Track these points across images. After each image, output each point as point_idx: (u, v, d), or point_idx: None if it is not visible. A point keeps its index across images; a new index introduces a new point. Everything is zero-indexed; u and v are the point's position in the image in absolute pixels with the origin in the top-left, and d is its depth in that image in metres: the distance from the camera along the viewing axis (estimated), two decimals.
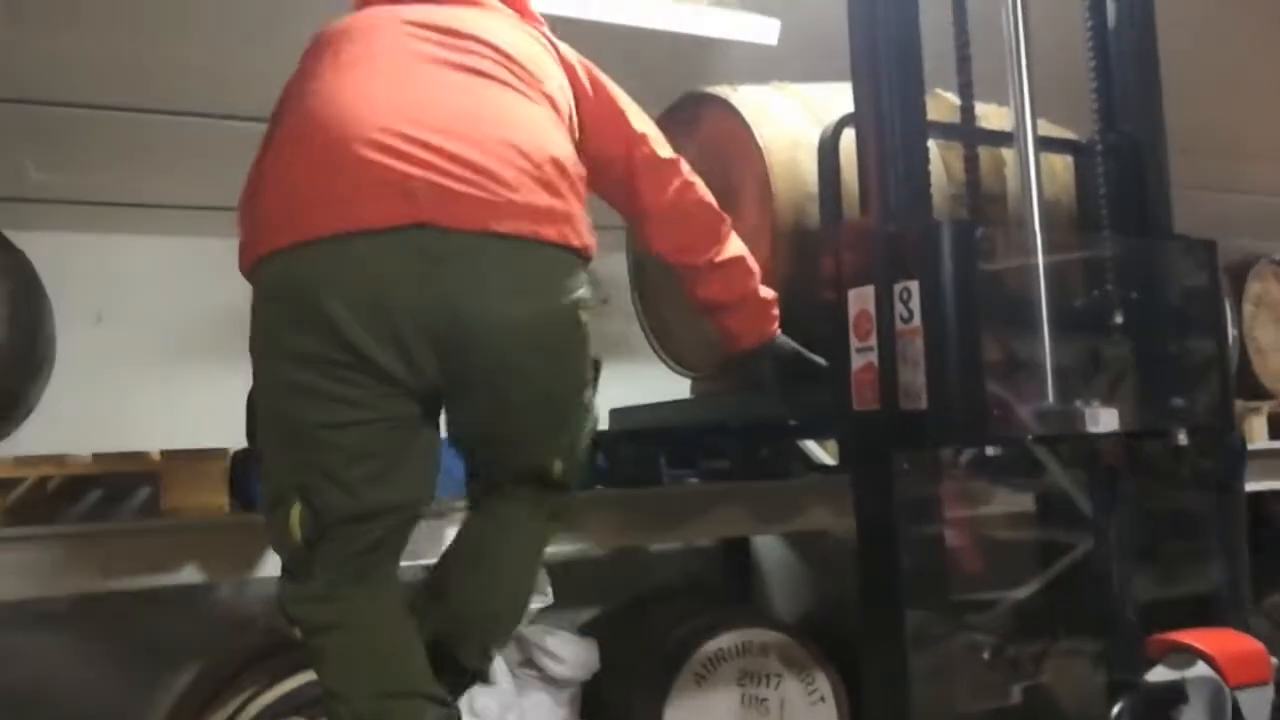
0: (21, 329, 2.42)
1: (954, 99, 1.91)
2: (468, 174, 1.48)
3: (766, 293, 1.98)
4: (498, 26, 1.72)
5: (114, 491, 2.57)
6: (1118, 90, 2.05)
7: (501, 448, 1.68)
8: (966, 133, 1.88)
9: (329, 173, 1.48)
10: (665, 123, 2.45)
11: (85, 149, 2.87)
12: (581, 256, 1.62)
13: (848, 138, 1.94)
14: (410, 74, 1.59)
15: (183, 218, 3.03)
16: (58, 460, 2.19)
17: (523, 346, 1.53)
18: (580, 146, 1.75)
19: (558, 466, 1.68)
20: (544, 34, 1.83)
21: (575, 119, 1.77)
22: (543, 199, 1.53)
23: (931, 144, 1.87)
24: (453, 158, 1.48)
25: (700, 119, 2.37)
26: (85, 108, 2.75)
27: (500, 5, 1.80)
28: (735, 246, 1.93)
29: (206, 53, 2.68)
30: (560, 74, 1.76)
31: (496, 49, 1.64)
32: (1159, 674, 1.61)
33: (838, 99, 2.23)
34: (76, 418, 2.85)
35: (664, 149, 1.86)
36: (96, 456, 2.22)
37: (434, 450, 1.64)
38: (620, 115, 1.82)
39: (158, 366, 3.04)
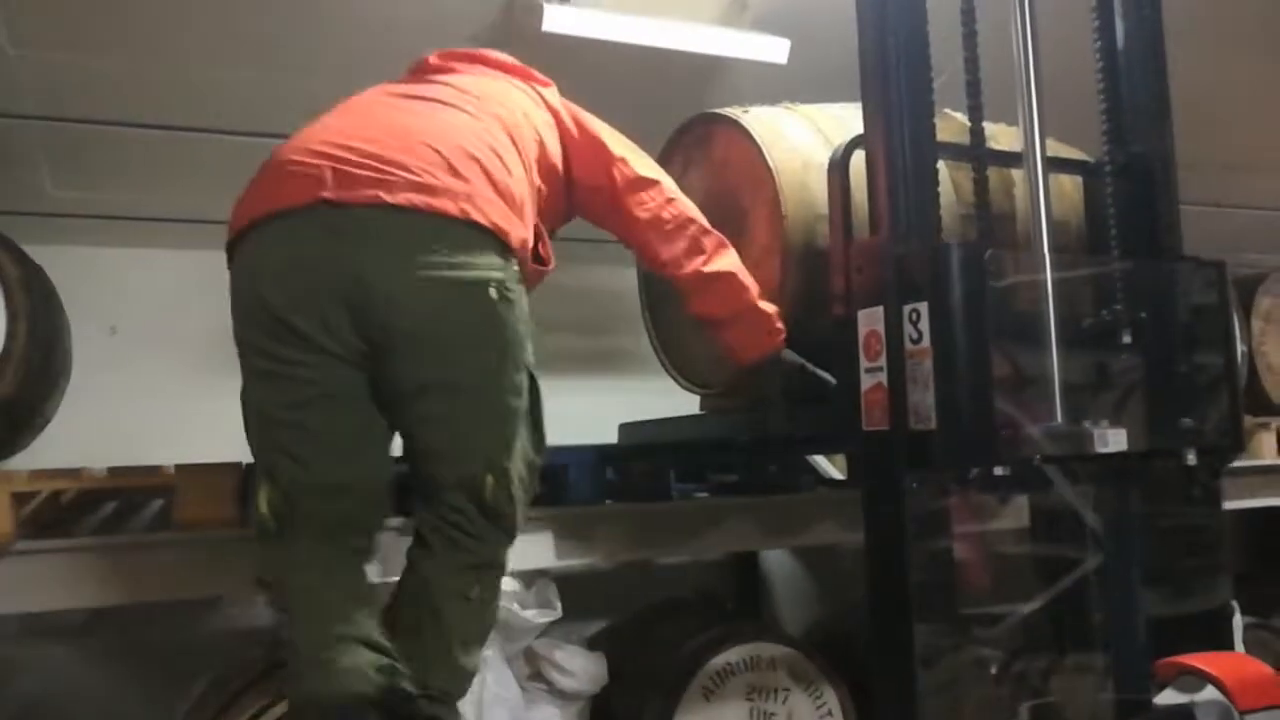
0: (38, 342, 2.44)
1: (963, 119, 1.92)
2: (370, 161, 1.63)
3: (766, 307, 2.03)
4: (476, 77, 1.93)
5: (128, 504, 2.58)
6: (1127, 110, 2.06)
7: (427, 446, 1.70)
8: (976, 153, 1.88)
9: (264, 177, 1.72)
10: (677, 143, 2.48)
11: (102, 164, 2.90)
12: (492, 236, 1.66)
13: (858, 159, 1.95)
14: (364, 108, 1.81)
15: (197, 232, 3.04)
16: (73, 474, 2.21)
17: (421, 311, 1.61)
18: (571, 180, 1.96)
19: (489, 484, 1.67)
20: (536, 89, 1.98)
21: (558, 152, 1.93)
22: (442, 179, 1.63)
23: (941, 164, 1.88)
24: (361, 152, 1.65)
25: (712, 140, 2.38)
26: (102, 124, 2.78)
27: (498, 74, 1.99)
28: (726, 261, 2.00)
29: (223, 70, 2.71)
30: (538, 112, 1.93)
31: (454, 86, 1.84)
32: (1168, 697, 1.61)
33: (848, 119, 2.25)
34: (91, 430, 2.88)
35: (644, 169, 1.97)
36: (111, 470, 2.24)
37: (389, 431, 1.74)
38: (600, 144, 1.96)
39: (172, 380, 3.06)
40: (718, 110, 2.35)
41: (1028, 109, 1.89)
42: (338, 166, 1.62)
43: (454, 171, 1.64)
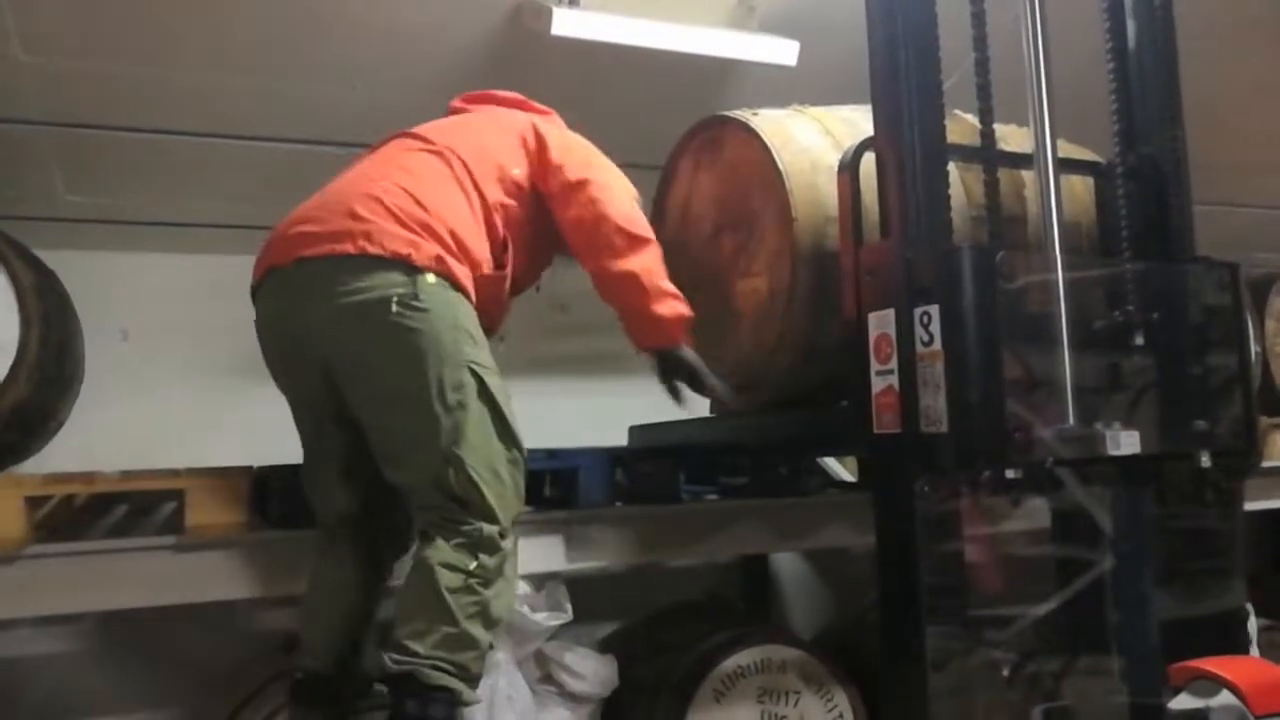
0: (51, 347, 2.45)
1: (974, 121, 1.91)
2: (300, 227, 1.89)
3: (668, 310, 2.09)
4: (464, 116, 2.18)
5: (140, 507, 2.59)
6: (1138, 111, 2.05)
7: (386, 455, 1.87)
8: (987, 155, 1.88)
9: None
10: (686, 146, 2.47)
11: (114, 170, 2.91)
12: (392, 260, 1.83)
13: (868, 161, 1.95)
14: (340, 175, 2.03)
15: (208, 236, 3.07)
16: (86, 478, 2.22)
17: (338, 336, 1.84)
18: (536, 191, 2.12)
19: (451, 475, 1.78)
20: (516, 118, 2.17)
21: (523, 170, 2.11)
22: (343, 224, 1.85)
23: (951, 166, 1.88)
24: (301, 219, 1.90)
25: (721, 143, 2.38)
26: (114, 130, 2.79)
27: (496, 108, 2.21)
28: (637, 262, 2.06)
29: (234, 76, 2.72)
30: (504, 139, 2.12)
31: (418, 134, 2.07)
32: (1182, 701, 1.60)
33: (858, 121, 2.25)
34: (104, 434, 2.89)
35: (577, 173, 2.09)
36: (124, 474, 2.25)
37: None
38: (545, 153, 2.11)
39: (184, 384, 3.07)
40: (727, 113, 2.35)
41: (1038, 110, 1.89)
42: (285, 233, 1.91)
43: (354, 215, 1.85)
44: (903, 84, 1.83)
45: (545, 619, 2.43)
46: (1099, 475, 1.94)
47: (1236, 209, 4.06)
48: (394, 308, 1.79)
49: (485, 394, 1.83)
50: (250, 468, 2.29)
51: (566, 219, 2.08)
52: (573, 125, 2.26)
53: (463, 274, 1.90)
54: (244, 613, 2.94)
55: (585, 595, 2.56)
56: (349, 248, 1.82)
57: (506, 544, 1.82)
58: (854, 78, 1.95)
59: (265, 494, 2.29)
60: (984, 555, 1.92)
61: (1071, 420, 1.76)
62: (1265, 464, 3.10)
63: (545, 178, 2.11)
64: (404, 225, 1.85)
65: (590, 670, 2.53)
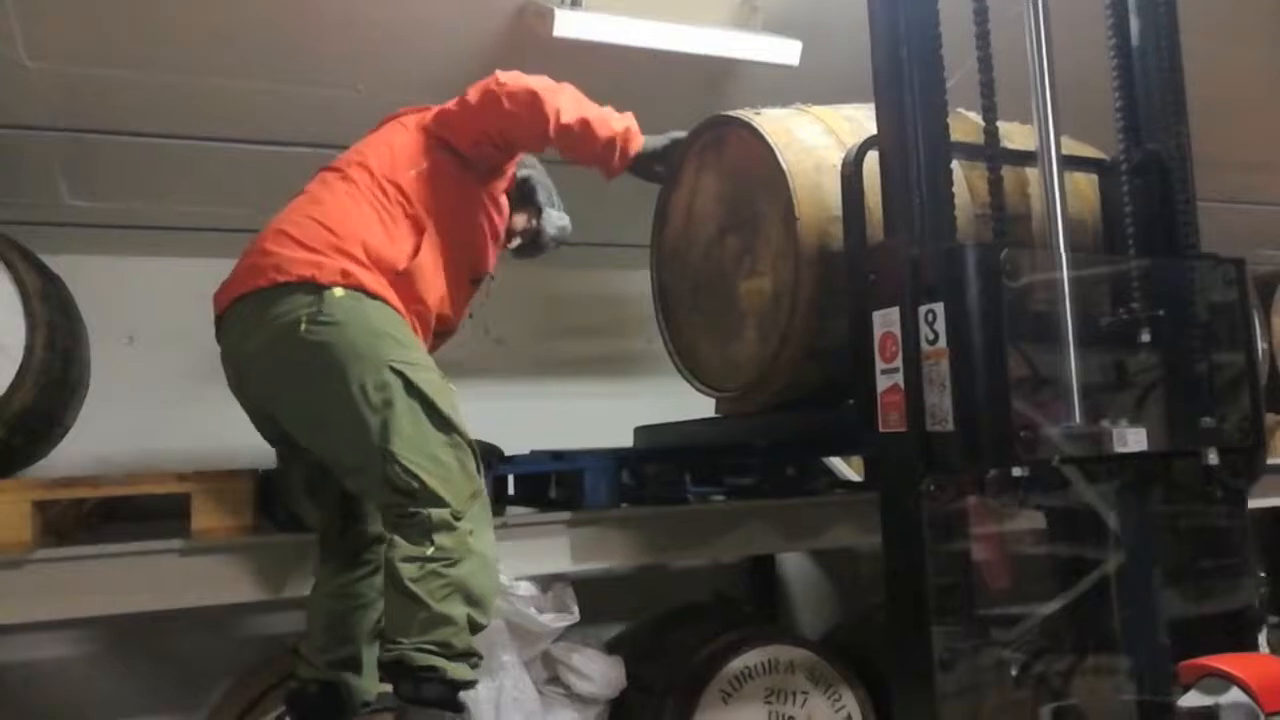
0: (57, 352, 2.45)
1: (977, 118, 1.91)
2: (233, 272, 2.02)
3: (619, 123, 2.20)
4: (371, 135, 2.22)
5: (146, 511, 2.60)
6: (1142, 107, 2.04)
7: (341, 473, 1.96)
8: (990, 153, 1.87)
9: None
10: (689, 147, 2.47)
11: (117, 174, 2.92)
12: (298, 283, 1.93)
13: (871, 160, 1.95)
14: None
15: (213, 240, 3.07)
16: (92, 482, 2.23)
17: (265, 369, 1.96)
18: (458, 151, 2.17)
19: (391, 471, 1.84)
20: (413, 118, 2.23)
21: (435, 153, 2.16)
22: (256, 261, 1.98)
23: (955, 164, 1.87)
24: (234, 266, 2.04)
25: (724, 143, 2.38)
26: (117, 134, 2.79)
27: (396, 122, 2.25)
28: (574, 110, 2.15)
29: (236, 80, 2.72)
30: (408, 135, 2.18)
31: (332, 165, 2.14)
32: (1192, 699, 1.59)
33: (861, 120, 2.24)
34: (110, 438, 2.90)
35: (475, 93, 2.15)
36: (130, 478, 2.26)
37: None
38: (444, 111, 2.18)
39: (190, 387, 3.07)
40: (730, 113, 2.35)
41: (1042, 107, 1.88)
42: (224, 283, 2.03)
43: (263, 250, 1.99)
44: (905, 82, 1.82)
45: (552, 620, 2.43)
46: (1106, 473, 1.94)
47: (1242, 205, 4.04)
48: (303, 326, 1.88)
49: (412, 389, 1.88)
50: (255, 471, 2.30)
51: (502, 116, 2.10)
52: None
53: (375, 281, 1.97)
54: (250, 616, 2.95)
55: (592, 597, 2.56)
56: (262, 281, 1.94)
57: (463, 524, 1.85)
58: (857, 77, 1.95)
59: (270, 497, 2.30)
60: (991, 554, 1.92)
61: (1078, 418, 1.75)
62: (1271, 461, 3.08)
63: (454, 123, 2.14)
64: (309, 249, 1.95)
65: (597, 671, 2.54)
